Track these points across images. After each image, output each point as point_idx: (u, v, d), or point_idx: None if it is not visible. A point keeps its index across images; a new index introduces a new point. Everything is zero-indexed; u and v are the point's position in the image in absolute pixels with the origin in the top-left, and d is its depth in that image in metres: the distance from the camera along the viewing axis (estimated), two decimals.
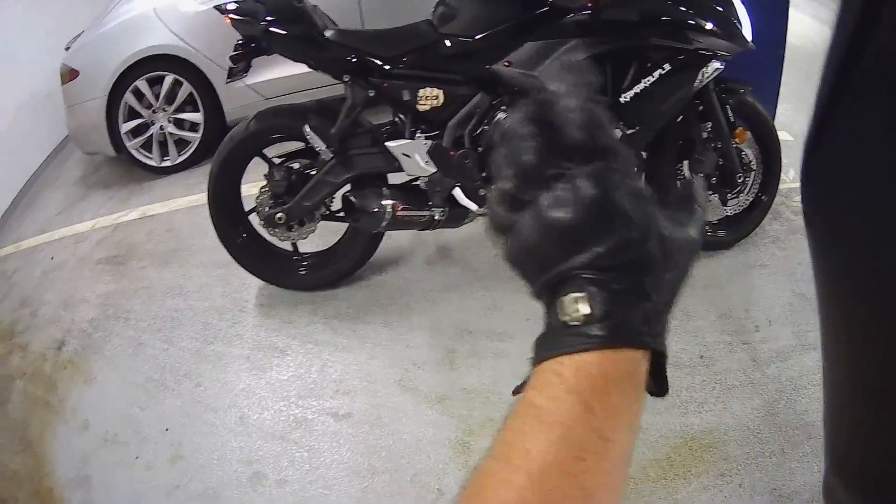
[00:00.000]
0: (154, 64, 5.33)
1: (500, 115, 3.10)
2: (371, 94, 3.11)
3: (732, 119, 3.41)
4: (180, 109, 5.47)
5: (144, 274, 4.16)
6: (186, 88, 5.39)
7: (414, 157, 3.12)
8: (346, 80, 3.11)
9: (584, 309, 0.57)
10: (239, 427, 2.94)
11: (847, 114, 0.60)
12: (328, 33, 3.08)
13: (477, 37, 3.07)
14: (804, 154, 0.68)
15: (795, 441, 2.64)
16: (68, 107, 5.52)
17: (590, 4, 2.98)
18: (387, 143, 3.13)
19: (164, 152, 5.57)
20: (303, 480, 2.67)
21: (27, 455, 3.13)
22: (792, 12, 4.14)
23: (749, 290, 3.49)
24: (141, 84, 5.33)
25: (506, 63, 3.06)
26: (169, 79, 5.35)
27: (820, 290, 0.72)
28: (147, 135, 5.46)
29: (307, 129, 3.14)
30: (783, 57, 4.24)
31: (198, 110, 5.47)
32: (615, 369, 0.57)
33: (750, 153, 3.58)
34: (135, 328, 3.69)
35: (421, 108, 3.11)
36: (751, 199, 3.66)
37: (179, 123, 5.52)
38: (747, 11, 3.22)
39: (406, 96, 3.10)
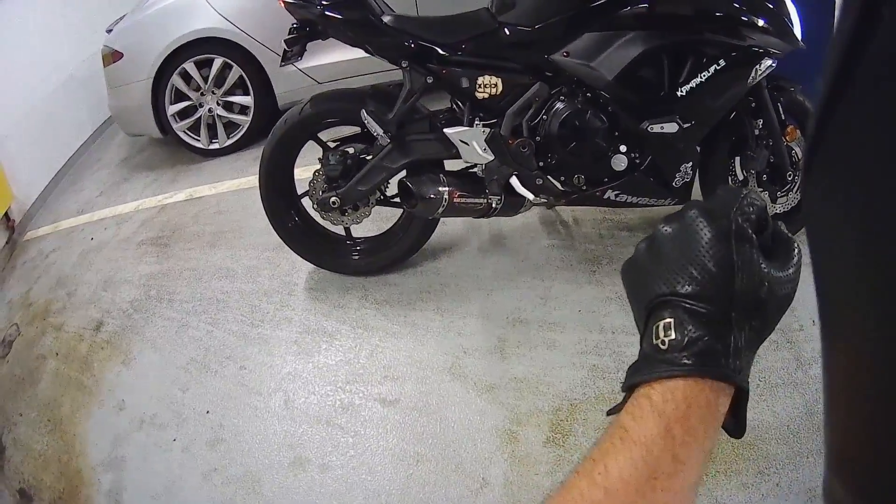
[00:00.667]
0: (202, 47, 5.34)
1: (559, 105, 3.10)
2: (429, 81, 3.11)
3: (783, 117, 3.41)
4: (230, 93, 5.49)
5: (190, 255, 4.18)
6: (236, 72, 5.40)
7: (472, 145, 3.12)
8: (405, 65, 3.11)
9: (673, 334, 0.64)
10: (283, 411, 2.95)
11: (847, 113, 0.59)
12: (386, 18, 3.08)
13: (536, 26, 3.07)
14: (805, 154, 0.67)
15: None
16: (111, 88, 5.57)
17: None
18: (445, 130, 3.13)
19: (212, 135, 5.59)
20: (346, 466, 2.67)
21: (55, 435, 3.17)
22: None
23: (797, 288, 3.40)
24: (189, 66, 5.34)
25: (564, 53, 3.06)
26: (218, 62, 5.36)
27: (819, 290, 0.71)
28: (195, 117, 5.49)
29: (364, 113, 3.14)
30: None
31: (248, 94, 5.48)
32: (698, 397, 0.62)
33: (800, 151, 3.54)
34: (178, 310, 3.71)
35: (479, 95, 3.11)
36: (799, 198, 3.60)
37: (229, 106, 5.54)
38: (797, 10, 3.22)
39: (465, 83, 3.11)
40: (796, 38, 3.22)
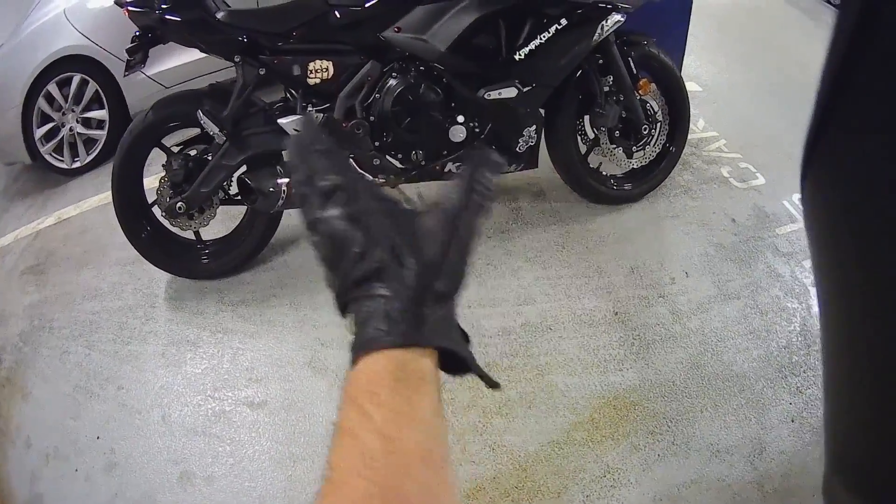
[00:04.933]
0: (64, 66, 5.35)
1: (391, 82, 3.11)
2: (262, 73, 3.12)
3: (635, 71, 3.44)
4: (87, 109, 5.52)
5: (63, 279, 4.17)
6: (93, 87, 5.43)
7: None
8: (237, 60, 3.12)
9: (351, 325, 0.67)
10: (162, 427, 2.97)
11: (847, 112, 0.62)
12: (219, 15, 3.08)
13: (367, 4, 3.08)
14: (804, 152, 0.68)
15: (727, 394, 2.68)
16: None
17: None
18: (279, 121, 3.14)
19: (74, 154, 5.60)
20: (229, 475, 2.70)
21: None
22: None
23: (662, 242, 3.52)
24: (52, 87, 5.34)
25: (396, 29, 3.07)
26: (77, 78, 5.37)
27: (820, 288, 0.74)
28: (58, 138, 5.48)
29: (200, 113, 3.15)
30: (690, 8, 4.28)
31: (104, 107, 5.50)
32: (378, 374, 0.62)
33: (655, 104, 3.60)
34: (58, 336, 3.70)
35: (311, 81, 3.12)
36: (658, 151, 3.69)
37: (87, 123, 5.55)
38: None
39: (296, 71, 3.12)
40: None
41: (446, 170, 3.28)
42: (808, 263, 3.57)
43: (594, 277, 3.24)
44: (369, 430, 0.59)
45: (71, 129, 5.49)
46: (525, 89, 3.18)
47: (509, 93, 3.16)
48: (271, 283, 3.56)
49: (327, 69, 3.12)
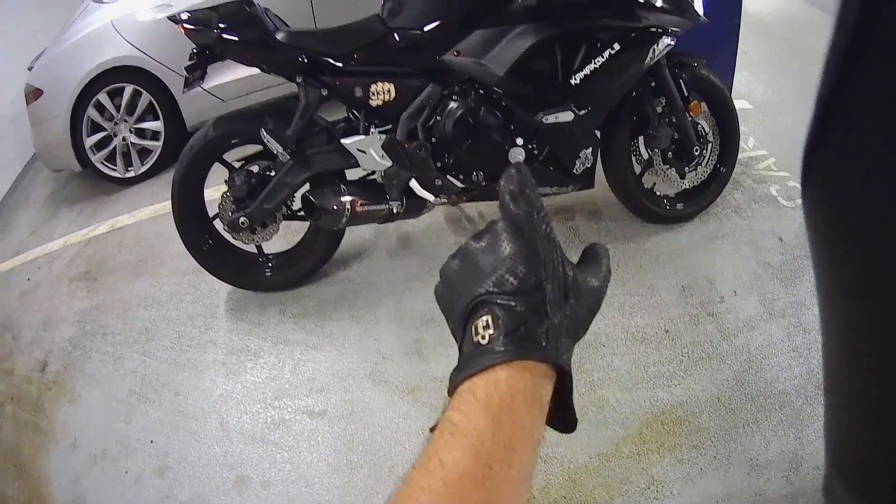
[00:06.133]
0: (114, 76, 5.43)
1: (452, 105, 3.19)
2: (324, 94, 3.21)
3: (686, 93, 3.49)
4: (141, 119, 5.59)
5: (117, 287, 4.28)
6: (146, 98, 5.50)
7: (369, 153, 3.22)
8: (299, 80, 3.20)
9: (491, 329, 0.66)
10: (220, 433, 3.07)
11: (848, 113, 0.61)
12: (279, 35, 3.17)
13: (426, 28, 3.15)
14: (804, 154, 0.68)
15: (768, 410, 2.74)
16: (34, 126, 5.64)
17: None
18: (342, 141, 3.22)
19: (127, 163, 5.68)
20: (286, 480, 2.80)
21: (23, 480, 3.26)
22: None
23: (712, 261, 3.58)
24: (102, 97, 5.43)
25: (455, 52, 3.15)
26: (129, 90, 5.45)
27: (821, 290, 0.72)
28: (111, 147, 5.58)
29: (264, 132, 3.24)
30: (739, 26, 4.30)
31: (158, 119, 5.57)
32: (521, 384, 0.64)
33: (706, 125, 3.66)
34: (112, 343, 3.80)
35: (373, 102, 3.20)
36: (709, 171, 3.75)
37: (141, 133, 5.64)
38: None
39: (358, 92, 3.20)
40: (697, 14, 3.30)
41: None
42: None
43: (647, 296, 3.33)
44: (499, 440, 0.61)
45: (124, 139, 5.57)
46: (581, 113, 3.25)
47: (566, 117, 3.23)
48: (332, 297, 3.67)
49: (389, 91, 3.20)
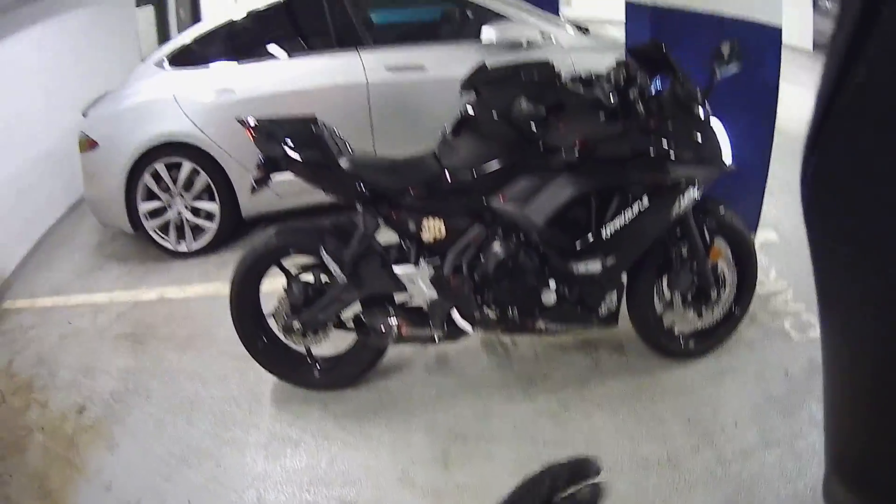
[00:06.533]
0: (173, 150, 5.71)
1: (495, 247, 3.52)
2: (380, 223, 3.56)
3: (709, 238, 3.80)
4: (198, 198, 5.86)
5: (164, 355, 4.60)
6: (204, 179, 5.77)
7: (417, 283, 3.56)
8: (359, 208, 3.55)
9: None
10: None
11: (846, 112, 0.61)
12: (342, 162, 3.49)
13: (475, 172, 3.48)
14: (804, 154, 0.68)
15: None
16: (87, 176, 5.92)
17: (577, 146, 3.37)
18: (394, 268, 3.57)
19: (180, 236, 5.95)
20: None
21: (47, 502, 3.56)
22: (789, 88, 4.54)
23: (719, 394, 3.86)
24: (160, 167, 5.71)
25: (500, 198, 3.47)
26: (187, 166, 5.73)
27: (820, 291, 0.73)
28: (165, 218, 5.85)
29: (323, 252, 3.58)
30: (769, 158, 4.63)
31: (214, 201, 5.84)
32: None
33: (726, 269, 3.95)
34: (156, 406, 4.11)
35: (425, 237, 3.55)
36: (724, 312, 4.04)
37: (196, 211, 5.90)
38: (727, 131, 3.60)
39: (412, 226, 3.55)
40: (724, 164, 3.57)
41: (536, 326, 3.66)
42: None
43: (655, 425, 3.62)
44: None
45: (179, 214, 5.81)
46: (609, 263, 3.54)
47: (595, 267, 3.51)
48: (371, 402, 3.96)
49: (439, 228, 3.53)
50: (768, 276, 4.80)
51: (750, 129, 4.61)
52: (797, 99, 4.43)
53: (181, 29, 12.20)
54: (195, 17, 13.65)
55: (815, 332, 4.23)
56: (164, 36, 11.93)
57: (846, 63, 0.55)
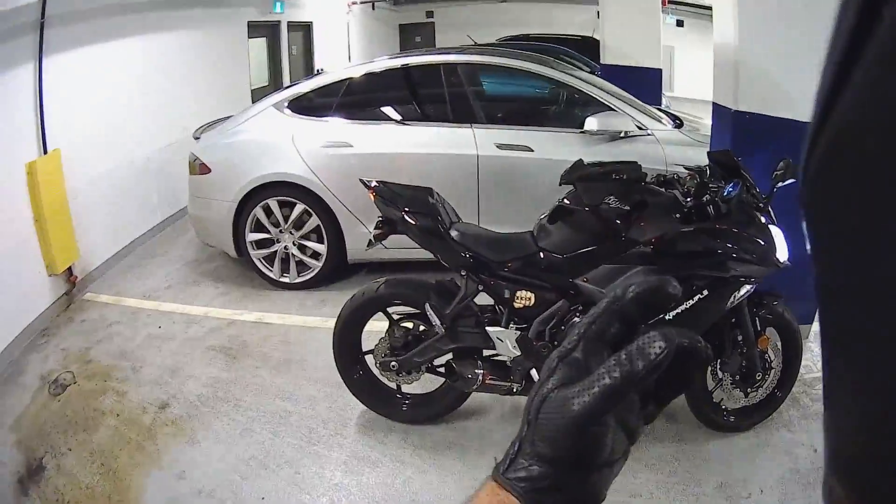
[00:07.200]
0: (285, 189, 6.17)
1: (576, 319, 3.95)
2: (480, 288, 4.04)
3: (759, 327, 4.20)
4: (306, 237, 6.29)
5: (257, 372, 5.04)
6: (315, 220, 6.20)
7: (505, 342, 4.02)
8: (463, 274, 4.04)
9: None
10: None
11: (846, 113, 0.59)
12: (453, 232, 3.99)
13: (566, 255, 3.96)
14: (805, 152, 0.65)
15: None
16: (194, 197, 6.41)
17: (653, 240, 3.83)
18: (487, 328, 4.05)
19: (284, 268, 6.40)
20: None
21: (108, 478, 3.96)
22: None
23: (752, 465, 4.18)
24: (272, 203, 6.17)
25: (584, 279, 3.93)
26: (299, 207, 6.17)
27: (819, 290, 0.69)
28: (271, 250, 6.31)
29: (428, 306, 4.06)
30: None
31: (322, 241, 6.27)
32: (490, 500, 0.73)
33: (773, 355, 4.31)
34: (243, 415, 4.53)
35: (516, 304, 4.01)
36: (768, 393, 4.41)
37: (303, 249, 6.34)
38: (782, 231, 3.96)
39: (506, 294, 4.01)
40: (778, 262, 3.92)
41: None
42: None
43: (690, 485, 3.95)
44: None
45: (286, 248, 6.25)
46: None
47: None
48: (448, 439, 4.33)
49: (529, 299, 4.00)
50: (817, 364, 5.12)
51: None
52: None
53: (292, 65, 12.97)
54: (308, 55, 14.36)
55: None
56: (275, 68, 12.69)
57: (845, 64, 0.54)
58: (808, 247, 0.63)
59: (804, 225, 0.61)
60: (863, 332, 0.59)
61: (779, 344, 4.36)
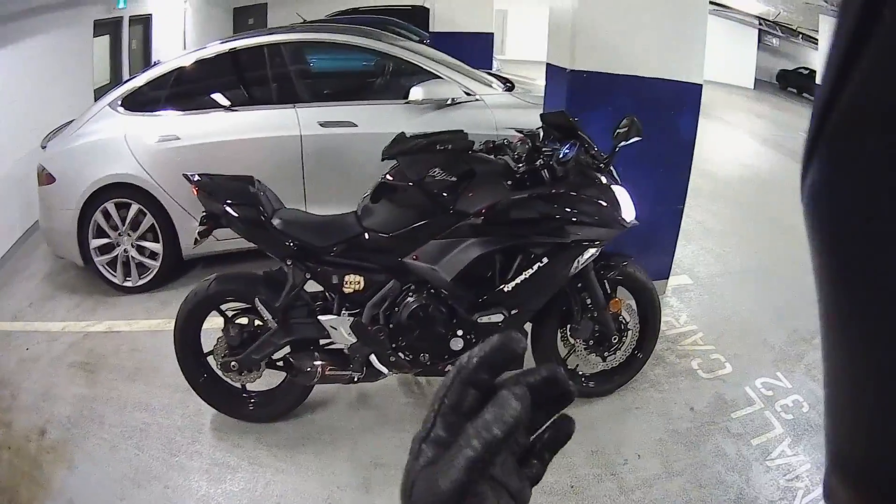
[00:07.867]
0: (122, 190, 6.06)
1: (408, 300, 3.98)
2: (307, 276, 3.99)
3: (609, 291, 4.23)
4: (143, 237, 6.22)
5: (114, 385, 4.98)
6: (149, 220, 6.14)
7: (339, 330, 4.00)
8: (288, 263, 3.98)
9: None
10: None
11: (846, 113, 0.59)
12: (275, 220, 3.94)
13: (391, 234, 3.92)
14: (804, 153, 0.64)
15: None
16: (44, 209, 6.27)
17: (483, 211, 3.80)
18: (319, 317, 4.02)
19: (126, 273, 6.32)
20: None
21: None
22: (721, 128, 4.87)
23: (622, 429, 4.23)
24: (110, 206, 6.07)
25: (414, 257, 3.91)
26: (134, 207, 6.10)
27: (820, 291, 0.68)
28: (113, 254, 6.22)
29: (257, 301, 4.02)
30: (682, 211, 5.03)
31: (158, 241, 6.22)
32: None
33: (627, 316, 4.36)
34: (109, 432, 4.47)
35: (346, 290, 3.99)
36: (627, 355, 4.47)
37: (141, 250, 6.28)
38: (628, 191, 3.98)
39: (334, 280, 3.99)
40: (623, 222, 3.96)
41: (446, 369, 4.03)
42: (755, 441, 4.22)
43: (558, 457, 3.89)
44: None
45: (125, 251, 6.17)
46: (511, 314, 3.97)
47: (497, 318, 3.96)
48: (300, 433, 4.37)
49: (359, 282, 3.98)
50: (678, 320, 5.21)
51: (665, 185, 5.06)
52: (727, 140, 4.66)
53: (132, 59, 12.60)
54: (146, 48, 13.98)
55: (724, 370, 4.74)
56: (116, 65, 12.34)
57: (845, 64, 0.53)
58: (810, 254, 0.63)
59: (805, 222, 0.61)
60: (869, 322, 0.57)
61: (633, 305, 4.40)
